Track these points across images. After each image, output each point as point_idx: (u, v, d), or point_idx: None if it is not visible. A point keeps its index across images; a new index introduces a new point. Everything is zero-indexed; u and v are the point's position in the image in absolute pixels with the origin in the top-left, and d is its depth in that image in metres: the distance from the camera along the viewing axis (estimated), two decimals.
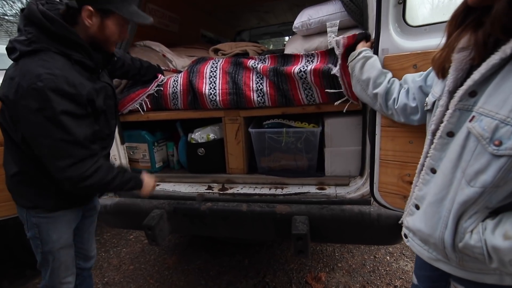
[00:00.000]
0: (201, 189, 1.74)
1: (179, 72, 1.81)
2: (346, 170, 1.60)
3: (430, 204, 0.75)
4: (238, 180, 1.76)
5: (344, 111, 1.34)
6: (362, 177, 1.52)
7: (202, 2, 2.97)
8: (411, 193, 0.87)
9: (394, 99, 1.01)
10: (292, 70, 1.43)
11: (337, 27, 1.46)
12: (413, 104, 0.96)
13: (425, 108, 0.85)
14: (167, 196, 1.72)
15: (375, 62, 1.08)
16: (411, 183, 1.15)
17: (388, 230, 1.40)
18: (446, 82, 0.73)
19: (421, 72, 0.97)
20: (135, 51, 2.01)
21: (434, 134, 0.77)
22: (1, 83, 1.06)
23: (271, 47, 4.00)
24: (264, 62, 1.60)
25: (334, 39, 1.22)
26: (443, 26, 1.06)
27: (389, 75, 1.07)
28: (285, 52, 1.66)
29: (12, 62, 1.03)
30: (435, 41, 1.06)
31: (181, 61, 2.06)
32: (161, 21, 2.53)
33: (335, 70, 1.21)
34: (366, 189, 1.46)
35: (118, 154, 1.84)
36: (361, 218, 1.41)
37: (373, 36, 1.23)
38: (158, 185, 1.41)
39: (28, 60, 0.96)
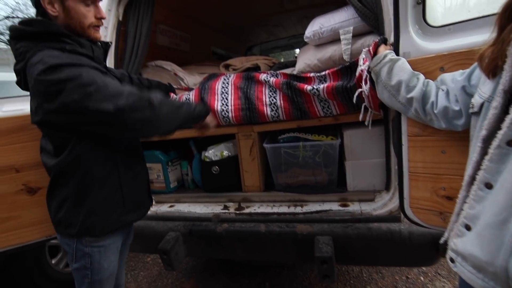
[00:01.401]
0: (216, 209, 1.67)
1: (191, 89, 1.79)
2: (370, 185, 1.49)
3: (488, 226, 0.64)
4: (255, 199, 1.68)
5: (367, 123, 1.24)
6: (388, 191, 1.41)
7: (212, 20, 3.01)
8: (457, 210, 0.75)
9: (432, 102, 0.91)
10: (305, 88, 1.39)
11: (351, 34, 1.39)
12: (456, 107, 0.86)
13: (471, 111, 0.76)
14: (182, 217, 1.66)
15: (404, 65, 1.00)
16: (447, 197, 1.04)
17: (422, 250, 1.27)
18: (500, 80, 0.64)
19: (462, 71, 0.87)
20: (147, 71, 2.02)
21: (486, 141, 0.67)
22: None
23: (281, 60, 3.98)
24: (276, 77, 1.55)
25: (363, 53, 1.14)
26: (469, 24, 0.99)
27: (422, 77, 0.97)
28: (298, 63, 1.61)
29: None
30: (462, 40, 0.98)
31: (192, 79, 2.05)
32: (172, 41, 2.56)
33: (365, 88, 1.12)
34: (394, 204, 1.34)
35: None
36: (391, 237, 1.28)
37: (391, 39, 1.15)
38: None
39: (31, 61, 0.94)
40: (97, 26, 1.08)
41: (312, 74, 1.46)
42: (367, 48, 1.13)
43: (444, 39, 1.01)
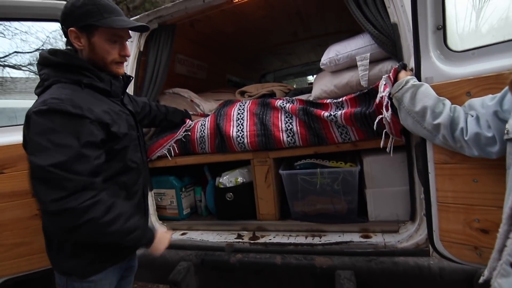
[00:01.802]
0: (230, 237, 1.61)
1: (207, 115, 1.81)
2: (393, 214, 1.40)
3: None
4: (270, 227, 1.61)
5: (388, 150, 1.20)
6: (414, 222, 1.32)
7: (228, 50, 3.12)
8: (498, 246, 0.69)
9: (462, 129, 0.87)
10: (322, 114, 1.38)
11: (368, 60, 1.39)
12: (489, 134, 0.81)
13: (506, 137, 0.71)
14: (194, 246, 1.61)
15: (427, 90, 0.97)
16: (482, 230, 0.96)
17: None
18: None
19: (491, 95, 0.83)
20: (164, 98, 2.06)
21: None
22: None
23: (294, 86, 4.02)
24: (292, 103, 1.55)
25: (384, 79, 1.12)
26: (494, 48, 0.96)
27: (448, 102, 0.93)
28: (314, 89, 1.61)
29: None
30: (487, 65, 0.94)
31: (208, 105, 2.08)
32: (189, 69, 2.64)
33: (387, 115, 1.09)
34: (421, 237, 1.25)
35: None
36: (419, 273, 1.18)
37: (410, 65, 1.13)
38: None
39: (41, 96, 0.96)
40: (120, 62, 1.09)
41: (329, 101, 1.45)
42: (387, 75, 1.11)
43: (468, 64, 0.98)
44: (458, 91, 0.95)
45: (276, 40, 3.13)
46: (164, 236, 1.14)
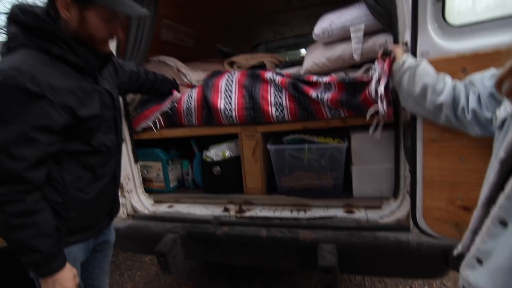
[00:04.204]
0: (217, 211, 1.61)
1: (194, 86, 1.73)
2: (377, 191, 1.42)
3: (500, 270, 0.57)
4: (256, 201, 1.62)
5: (378, 135, 1.22)
6: (396, 199, 1.34)
7: (218, 17, 2.95)
8: (472, 227, 0.69)
9: (463, 107, 0.83)
10: (311, 94, 1.35)
11: (362, 32, 1.32)
12: (488, 115, 0.78)
13: (494, 123, 0.69)
14: (181, 218, 1.61)
15: (426, 68, 0.92)
16: (464, 208, 0.97)
17: (431, 262, 1.20)
18: None
19: (492, 72, 0.79)
20: (149, 67, 1.96)
21: (503, 164, 0.59)
22: None
23: (287, 59, 3.90)
24: (282, 76, 1.49)
25: (376, 68, 1.10)
26: (492, 24, 0.92)
27: (449, 79, 0.89)
28: (305, 61, 1.54)
29: None
30: (484, 41, 0.91)
31: (195, 75, 1.99)
32: (176, 36, 2.50)
33: (383, 108, 1.11)
34: (402, 213, 1.28)
35: (131, 173, 1.76)
36: (398, 247, 1.22)
37: (405, 38, 1.09)
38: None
39: (2, 60, 0.86)
40: (108, 41, 0.99)
41: (316, 78, 1.38)
42: (380, 66, 1.08)
43: (465, 39, 0.94)
44: (454, 67, 0.92)
45: (270, 8, 2.97)
46: (66, 278, 0.94)
